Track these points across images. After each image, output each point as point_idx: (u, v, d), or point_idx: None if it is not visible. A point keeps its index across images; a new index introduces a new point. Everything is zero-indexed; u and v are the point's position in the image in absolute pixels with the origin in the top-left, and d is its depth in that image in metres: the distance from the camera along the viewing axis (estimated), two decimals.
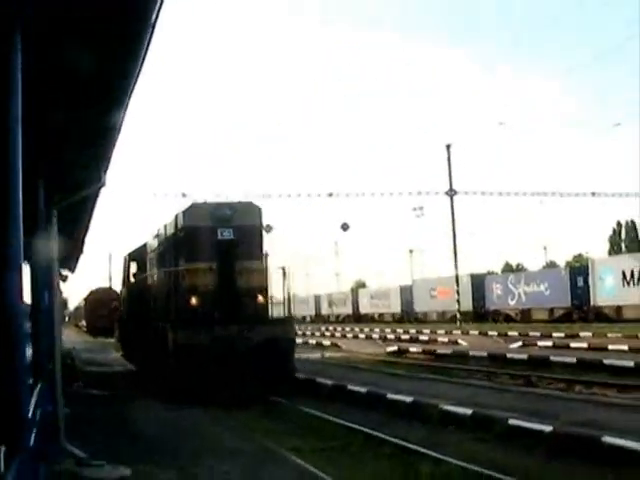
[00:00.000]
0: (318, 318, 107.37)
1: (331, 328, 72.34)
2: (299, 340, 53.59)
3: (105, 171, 13.27)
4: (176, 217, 25.51)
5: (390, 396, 20.09)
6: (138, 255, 33.26)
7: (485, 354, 32.92)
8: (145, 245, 31.85)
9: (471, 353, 34.18)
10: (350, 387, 22.61)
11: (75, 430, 14.62)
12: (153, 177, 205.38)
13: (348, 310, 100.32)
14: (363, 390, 21.78)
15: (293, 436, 16.01)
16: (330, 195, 65.94)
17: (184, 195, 61.72)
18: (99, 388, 24.11)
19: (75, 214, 17.29)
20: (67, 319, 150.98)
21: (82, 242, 25.49)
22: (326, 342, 51.26)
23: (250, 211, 25.06)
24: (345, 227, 66.70)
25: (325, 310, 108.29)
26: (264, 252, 24.85)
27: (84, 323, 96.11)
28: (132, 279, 34.66)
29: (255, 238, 24.76)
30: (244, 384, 21.84)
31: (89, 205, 17.26)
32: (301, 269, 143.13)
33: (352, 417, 17.97)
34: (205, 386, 21.60)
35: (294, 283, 28.92)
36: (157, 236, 28.94)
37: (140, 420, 18.35)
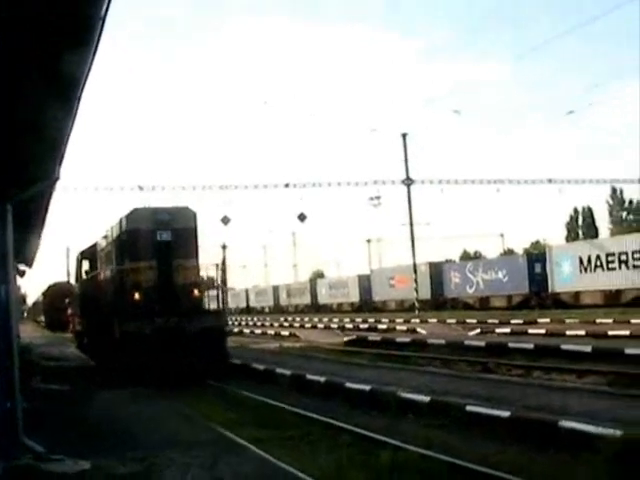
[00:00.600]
0: (277, 308, 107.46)
1: (290, 319, 72.43)
2: (258, 331, 54.16)
3: (60, 164, 13.22)
4: (120, 220, 28.08)
5: (348, 385, 20.25)
6: (89, 254, 35.43)
7: (443, 342, 33.16)
8: (95, 244, 33.92)
9: (429, 341, 34.41)
10: (309, 377, 22.77)
11: (34, 425, 14.59)
12: (109, 171, 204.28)
13: (307, 300, 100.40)
14: (322, 379, 21.94)
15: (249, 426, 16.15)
16: (287, 186, 66.03)
17: (141, 188, 61.69)
18: (58, 382, 24.05)
19: (31, 208, 17.19)
20: (25, 314, 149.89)
21: (39, 237, 25.35)
22: (285, 332, 51.31)
23: (186, 215, 27.88)
24: (302, 217, 66.66)
25: (284, 301, 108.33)
26: (198, 251, 27.78)
27: (43, 318, 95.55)
28: (84, 276, 36.60)
29: (190, 239, 27.56)
30: (183, 369, 24.47)
31: (45, 199, 17.19)
32: (260, 260, 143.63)
33: (311, 407, 18.14)
34: (149, 371, 23.97)
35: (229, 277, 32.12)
36: (105, 237, 31.39)
37: (99, 414, 18.34)
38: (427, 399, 16.99)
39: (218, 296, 29.56)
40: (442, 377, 22.60)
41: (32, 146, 11.60)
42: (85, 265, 36.66)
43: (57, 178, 13.62)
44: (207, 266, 29.86)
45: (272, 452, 12.73)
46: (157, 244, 26.91)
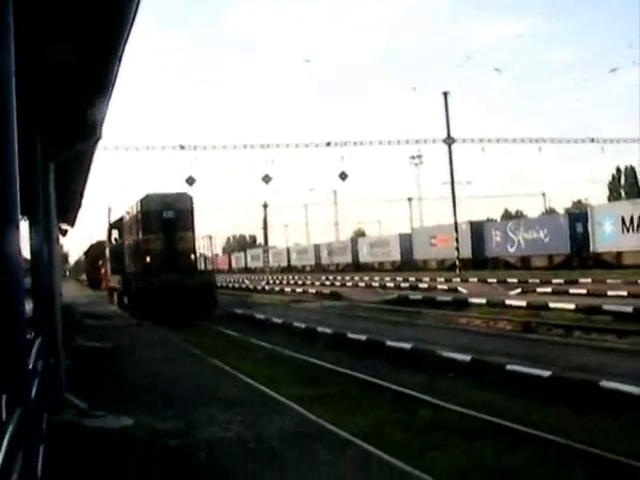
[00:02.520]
0: (318, 267, 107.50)
1: (331, 277, 72.45)
2: (299, 289, 54.33)
3: (101, 124, 13.20)
4: (138, 202, 37.93)
5: (389, 343, 20.26)
6: (117, 224, 46.33)
7: (484, 301, 33.07)
8: (122, 218, 44.18)
9: (470, 300, 34.33)
10: (350, 335, 22.80)
11: (77, 382, 14.74)
12: (151, 130, 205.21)
13: (348, 259, 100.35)
14: (363, 338, 21.96)
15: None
16: (328, 144, 65.57)
17: (182, 147, 61.52)
18: (100, 340, 24.25)
19: (73, 168, 17.20)
20: (68, 273, 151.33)
21: (81, 196, 25.45)
22: (326, 291, 51.37)
23: (184, 199, 38.06)
24: (343, 176, 66.19)
25: (325, 259, 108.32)
26: (194, 226, 37.51)
27: (85, 277, 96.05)
28: (114, 242, 47.16)
29: (188, 217, 37.35)
30: (182, 312, 33.08)
31: (87, 158, 17.15)
32: (301, 219, 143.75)
33: (351, 365, 18.17)
34: (158, 314, 32.48)
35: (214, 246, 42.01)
36: (128, 213, 41.41)
37: (139, 371, 18.44)
38: (468, 358, 16.96)
39: (207, 259, 40.13)
40: (483, 336, 22.56)
41: (74, 105, 11.56)
42: (114, 233, 47.11)
43: (99, 138, 13.58)
44: (201, 237, 39.16)
45: (312, 410, 12.72)
46: (163, 221, 36.55)
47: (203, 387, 15.71)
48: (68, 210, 27.96)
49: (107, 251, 52.55)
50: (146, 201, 37.33)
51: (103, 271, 59.37)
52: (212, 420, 12.18)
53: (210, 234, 40.67)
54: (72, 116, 12.16)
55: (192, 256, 37.47)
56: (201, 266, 38.77)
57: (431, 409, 12.94)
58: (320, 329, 25.18)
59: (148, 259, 36.43)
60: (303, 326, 26.74)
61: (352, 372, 17.15)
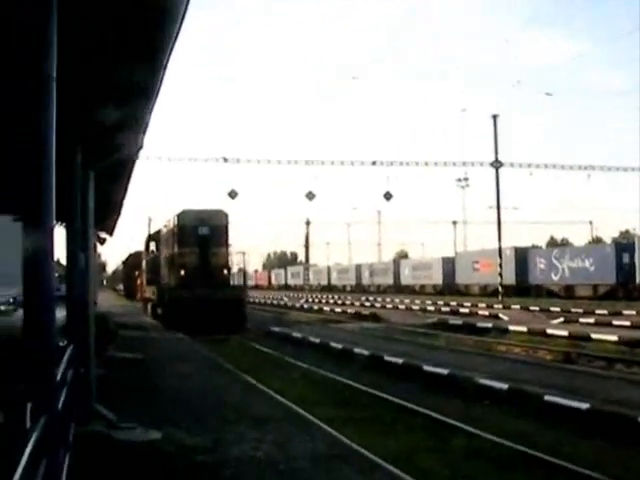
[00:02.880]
0: (359, 287, 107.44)
1: (371, 298, 72.36)
2: (338, 309, 54.32)
3: (143, 133, 13.27)
4: (175, 217, 39.66)
5: (426, 368, 20.18)
6: (155, 237, 49.44)
7: (525, 329, 32.84)
8: (159, 231, 47.17)
9: (511, 327, 34.11)
10: (386, 358, 22.75)
11: (107, 393, 14.78)
12: (193, 141, 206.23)
13: (389, 280, 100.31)
14: (400, 361, 21.89)
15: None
16: (374, 163, 65.66)
17: (225, 160, 61.79)
18: (133, 351, 24.33)
19: (113, 176, 17.31)
20: (105, 282, 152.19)
21: (120, 205, 25.61)
22: (365, 312, 51.31)
23: (220, 215, 39.37)
24: (388, 196, 66.17)
25: (366, 280, 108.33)
26: (229, 243, 39.68)
27: (122, 287, 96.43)
28: (150, 255, 50.03)
29: (222, 233, 39.03)
30: (213, 326, 33.87)
31: (127, 167, 17.27)
32: (343, 238, 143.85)
33: (386, 388, 18.12)
34: (190, 326, 33.61)
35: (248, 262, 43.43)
36: (165, 226, 43.57)
37: (170, 384, 18.49)
38: (505, 386, 16.83)
39: (239, 275, 45.53)
40: (522, 365, 22.38)
41: (116, 114, 11.63)
42: (152, 245, 49.82)
43: (140, 147, 13.69)
44: (234, 253, 43.45)
45: (344, 432, 12.66)
46: (199, 236, 38.14)
47: (234, 404, 15.67)
48: (107, 218, 28.14)
49: (144, 262, 55.44)
50: (182, 216, 39.20)
51: (139, 282, 61.99)
52: (242, 438, 12.15)
53: (244, 250, 43.99)
54: (114, 126, 12.22)
55: (225, 271, 39.27)
56: (239, 281, 42.78)
57: (465, 437, 12.87)
58: (357, 350, 25.16)
59: (182, 272, 38.20)
60: (340, 347, 26.76)
61: (387, 395, 17.10)
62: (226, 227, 39.40)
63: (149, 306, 48.35)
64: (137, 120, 12.24)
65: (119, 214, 28.99)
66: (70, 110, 8.77)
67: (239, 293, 39.77)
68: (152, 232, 50.72)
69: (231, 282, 40.97)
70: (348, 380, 19.66)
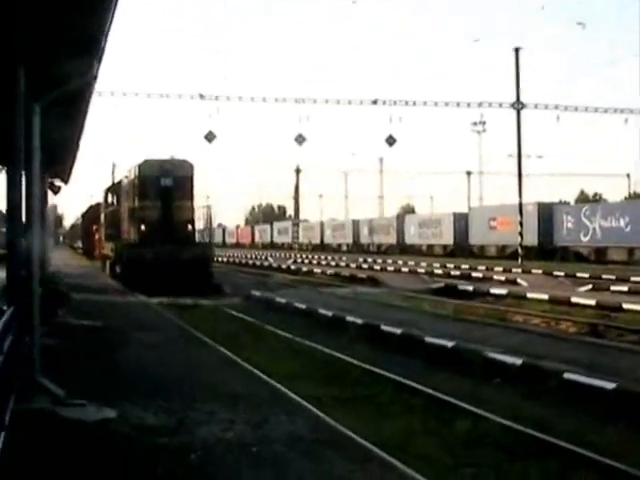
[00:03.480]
0: (356, 247, 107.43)
1: (370, 260, 72.34)
2: (330, 271, 54.46)
3: (98, 61, 13.08)
4: (135, 167, 42.05)
5: (428, 339, 20.16)
6: (114, 189, 52.16)
7: (546, 297, 32.84)
8: (120, 182, 49.68)
9: (529, 295, 34.12)
10: (383, 327, 22.72)
11: (56, 365, 14.72)
12: (167, 76, 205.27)
13: (392, 239, 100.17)
14: (398, 331, 21.87)
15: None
16: (374, 103, 65.38)
17: (202, 97, 61.52)
18: (90, 318, 24.30)
19: (65, 112, 17.13)
20: (61, 239, 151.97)
21: (75, 147, 25.42)
22: (362, 275, 51.33)
23: (185, 166, 41.82)
24: (391, 141, 65.93)
25: (365, 238, 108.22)
26: (194, 195, 42.00)
27: (80, 244, 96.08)
28: (110, 208, 52.18)
29: (188, 185, 41.50)
30: (176, 285, 35.67)
31: (82, 102, 17.06)
32: (339, 189, 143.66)
33: (383, 362, 18.13)
34: (150, 287, 35.53)
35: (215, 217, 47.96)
36: (126, 177, 45.94)
37: (132, 355, 18.49)
38: (519, 361, 16.79)
39: (205, 231, 44.38)
40: (540, 337, 22.31)
41: (64, 33, 11.42)
42: (110, 198, 52.65)
43: (94, 76, 13.51)
44: (199, 207, 43.69)
45: (331, 413, 12.63)
46: (161, 188, 40.40)
47: (205, 379, 15.67)
48: (60, 163, 28.00)
49: (102, 216, 57.69)
50: (144, 166, 41.53)
51: (97, 237, 64.07)
52: (211, 418, 12.12)
53: (209, 203, 47.10)
54: (63, 48, 12.04)
55: (189, 227, 41.68)
56: (214, 239, 45.57)
57: (471, 420, 12.83)
58: (350, 318, 25.11)
59: (143, 227, 40.71)
60: (330, 314, 26.70)
61: (382, 371, 17.10)
62: (191, 178, 41.84)
63: (107, 265, 50.19)
64: (90, 42, 12.03)
65: (74, 158, 28.84)
66: (8, 26, 8.61)
67: (204, 251, 41.61)
68: (113, 183, 54.09)
69: (197, 239, 43.34)
70: (338, 353, 19.66)
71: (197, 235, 43.68)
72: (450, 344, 19.23)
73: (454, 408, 13.75)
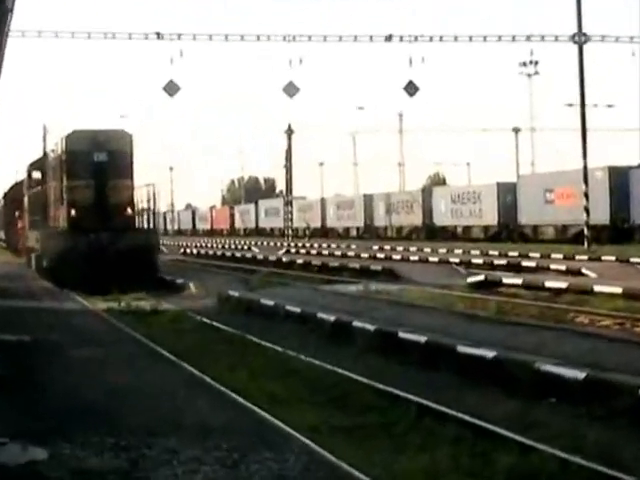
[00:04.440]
0: (369, 231, 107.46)
1: (387, 247, 72.36)
2: (334, 263, 54.63)
3: None
4: (62, 140, 44.66)
5: (462, 349, 20.20)
6: (39, 165, 54.58)
7: (620, 290, 32.87)
8: (46, 156, 52.83)
9: (598, 288, 34.15)
10: (402, 334, 22.76)
11: None
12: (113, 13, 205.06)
13: (416, 220, 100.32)
14: (422, 339, 21.92)
15: None
16: (388, 39, 65.23)
17: (159, 36, 61.41)
18: (14, 331, 24.37)
19: None
20: None
21: None
22: (376, 267, 51.40)
23: (122, 138, 44.74)
24: (411, 90, 65.85)
25: (380, 219, 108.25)
26: (134, 173, 44.96)
27: (3, 235, 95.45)
28: (34, 189, 55.80)
29: (126, 160, 44.41)
30: (113, 280, 37.55)
31: None
32: (345, 155, 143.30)
33: (401, 380, 18.22)
34: (79, 281, 38.99)
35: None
36: (53, 151, 48.98)
37: (70, 380, 18.49)
38: (581, 375, 16.83)
39: (149, 215, 46.55)
40: (610, 344, 22.32)
41: None
42: (35, 176, 55.35)
43: (8, 9, 13.54)
44: (140, 186, 46.41)
45: (333, 448, 12.63)
46: (94, 165, 43.16)
47: (167, 408, 15.69)
48: None
49: (25, 199, 62.10)
50: (72, 138, 44.40)
51: (20, 225, 66.29)
52: (172, 457, 12.13)
53: (152, 182, 48.22)
54: None
55: (128, 210, 44.97)
56: (158, 224, 48.70)
57: (517, 453, 12.84)
58: (358, 324, 25.13)
59: (73, 212, 43.54)
60: (332, 318, 26.69)
61: (400, 391, 17.14)
62: (130, 153, 45.21)
63: (33, 259, 51.77)
64: None
65: None
66: None
67: (147, 238, 45.54)
68: (40, 158, 56.51)
69: (139, 224, 46.76)
70: (341, 369, 19.72)
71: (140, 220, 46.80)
72: (490, 354, 19.25)
73: (495, 437, 13.78)
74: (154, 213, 47.52)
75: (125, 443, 12.78)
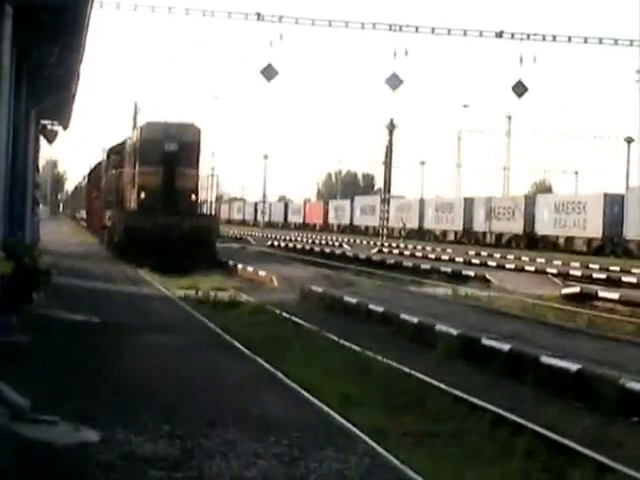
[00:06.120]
0: (467, 235, 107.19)
1: (484, 253, 72.11)
2: (426, 266, 54.71)
3: None
4: (138, 129, 52.50)
5: (545, 360, 20.03)
6: (117, 151, 60.49)
7: None
8: (124, 142, 58.06)
9: None
10: (486, 341, 22.65)
11: (25, 369, 14.76)
12: None
13: (517, 227, 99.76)
14: (505, 347, 21.78)
15: None
16: (499, 35, 64.99)
17: (260, 16, 61.65)
18: (83, 311, 24.40)
19: (56, 23, 17.13)
20: (61, 207, 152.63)
21: (75, 78, 25.37)
22: (469, 272, 51.22)
23: (191, 130, 50.93)
24: (520, 90, 65.52)
25: (479, 225, 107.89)
26: (200, 163, 51.46)
27: (84, 214, 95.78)
28: (111, 172, 61.80)
29: (193, 151, 50.42)
30: (176, 259, 45.11)
31: (76, 10, 17.03)
32: (447, 156, 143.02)
33: (481, 388, 18.19)
34: (148, 259, 44.02)
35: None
36: (130, 138, 55.21)
37: (133, 364, 18.49)
38: None
39: (210, 203, 53.61)
40: None
41: None
42: (114, 160, 60.83)
43: None
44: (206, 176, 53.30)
45: (398, 453, 12.52)
46: (164, 153, 48.88)
47: (231, 400, 15.64)
48: (55, 98, 28.03)
49: (103, 180, 67.51)
50: (146, 128, 51.67)
51: (97, 205, 71.19)
52: (229, 449, 12.03)
53: (214, 172, 57.04)
54: None
55: (193, 196, 51.02)
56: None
57: (594, 471, 12.69)
58: (441, 327, 25.02)
59: (142, 195, 49.62)
60: (415, 320, 26.61)
61: (477, 400, 17.07)
62: (198, 144, 51.40)
63: (105, 235, 59.33)
64: None
65: (74, 92, 28.85)
66: None
67: (207, 223, 51.34)
68: (114, 144, 63.79)
69: (201, 210, 53.16)
70: (420, 373, 19.66)
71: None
72: (575, 367, 19.08)
73: (572, 454, 13.66)
74: (216, 201, 55.76)
75: (182, 432, 12.70)
